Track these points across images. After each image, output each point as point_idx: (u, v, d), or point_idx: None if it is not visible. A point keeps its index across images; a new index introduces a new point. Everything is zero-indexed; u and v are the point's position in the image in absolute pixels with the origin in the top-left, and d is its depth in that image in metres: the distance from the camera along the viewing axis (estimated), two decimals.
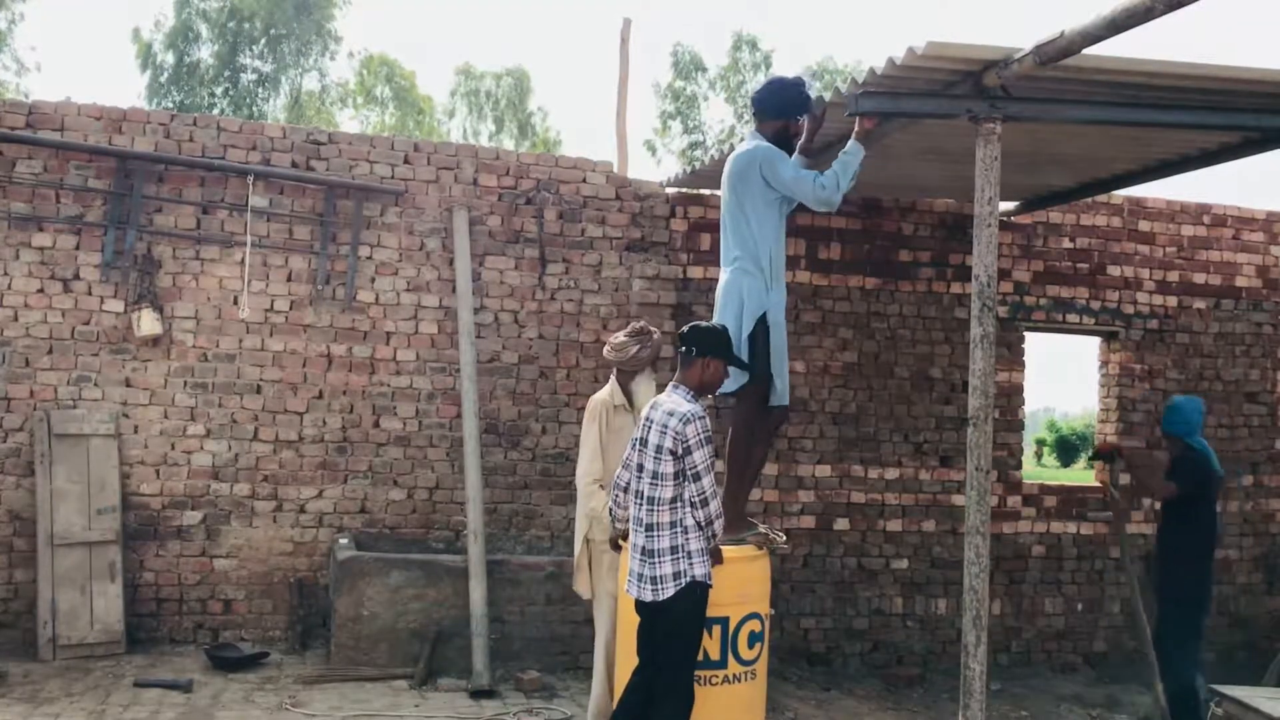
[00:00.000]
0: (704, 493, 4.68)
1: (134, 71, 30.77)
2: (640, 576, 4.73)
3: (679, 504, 4.69)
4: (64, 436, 7.07)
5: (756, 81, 29.63)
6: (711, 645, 5.03)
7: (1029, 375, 8.92)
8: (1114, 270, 9.04)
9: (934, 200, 8.66)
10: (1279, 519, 9.33)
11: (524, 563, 7.30)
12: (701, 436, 4.67)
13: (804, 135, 5.64)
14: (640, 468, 4.81)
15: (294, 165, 7.64)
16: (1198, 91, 5.53)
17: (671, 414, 4.70)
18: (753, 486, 5.83)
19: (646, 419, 4.85)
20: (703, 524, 4.71)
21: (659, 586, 4.66)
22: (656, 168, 30.10)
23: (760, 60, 29.77)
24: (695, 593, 4.69)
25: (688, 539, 4.68)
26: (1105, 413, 9.23)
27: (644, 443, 4.80)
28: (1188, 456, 6.81)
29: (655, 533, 4.69)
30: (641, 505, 4.77)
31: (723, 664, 5.09)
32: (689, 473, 4.67)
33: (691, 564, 4.67)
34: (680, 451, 4.66)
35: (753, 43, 29.80)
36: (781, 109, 5.50)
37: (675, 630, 4.70)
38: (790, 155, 5.48)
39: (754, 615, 5.19)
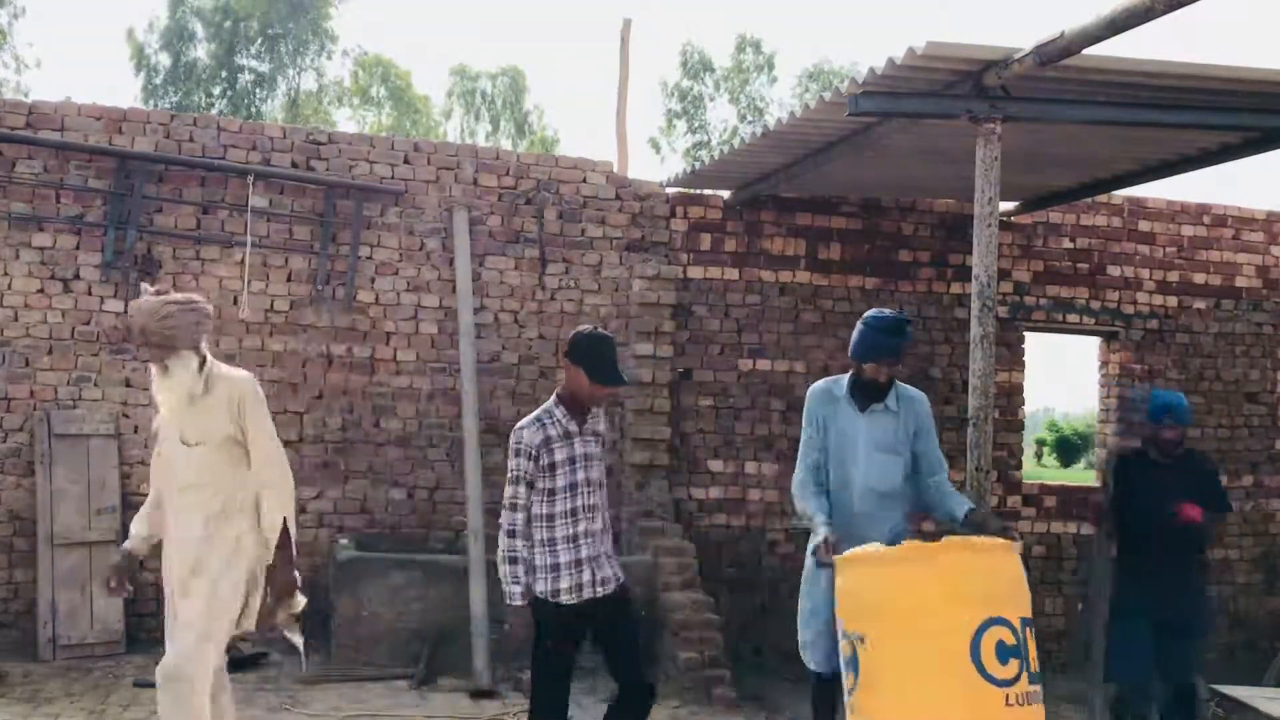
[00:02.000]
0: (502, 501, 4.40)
1: (130, 72, 30.72)
2: None
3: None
4: (64, 436, 7.07)
5: (760, 83, 29.71)
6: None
7: (1029, 375, 8.93)
8: (1114, 270, 9.04)
9: (934, 200, 8.66)
10: (1279, 519, 9.33)
11: None
12: (516, 446, 4.33)
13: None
14: None
15: (294, 165, 7.64)
16: (1198, 91, 5.53)
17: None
18: None
19: None
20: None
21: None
22: (660, 166, 30.15)
23: (764, 62, 29.80)
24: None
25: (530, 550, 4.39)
26: (1105, 413, 9.23)
27: None
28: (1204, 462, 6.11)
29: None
30: None
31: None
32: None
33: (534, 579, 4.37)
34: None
35: (756, 44, 29.83)
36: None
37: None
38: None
39: (998, 621, 3.92)
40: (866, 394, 4.78)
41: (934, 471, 4.80)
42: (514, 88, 33.26)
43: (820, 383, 4.97)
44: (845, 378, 4.86)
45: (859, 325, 4.79)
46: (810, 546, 4.75)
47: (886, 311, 4.84)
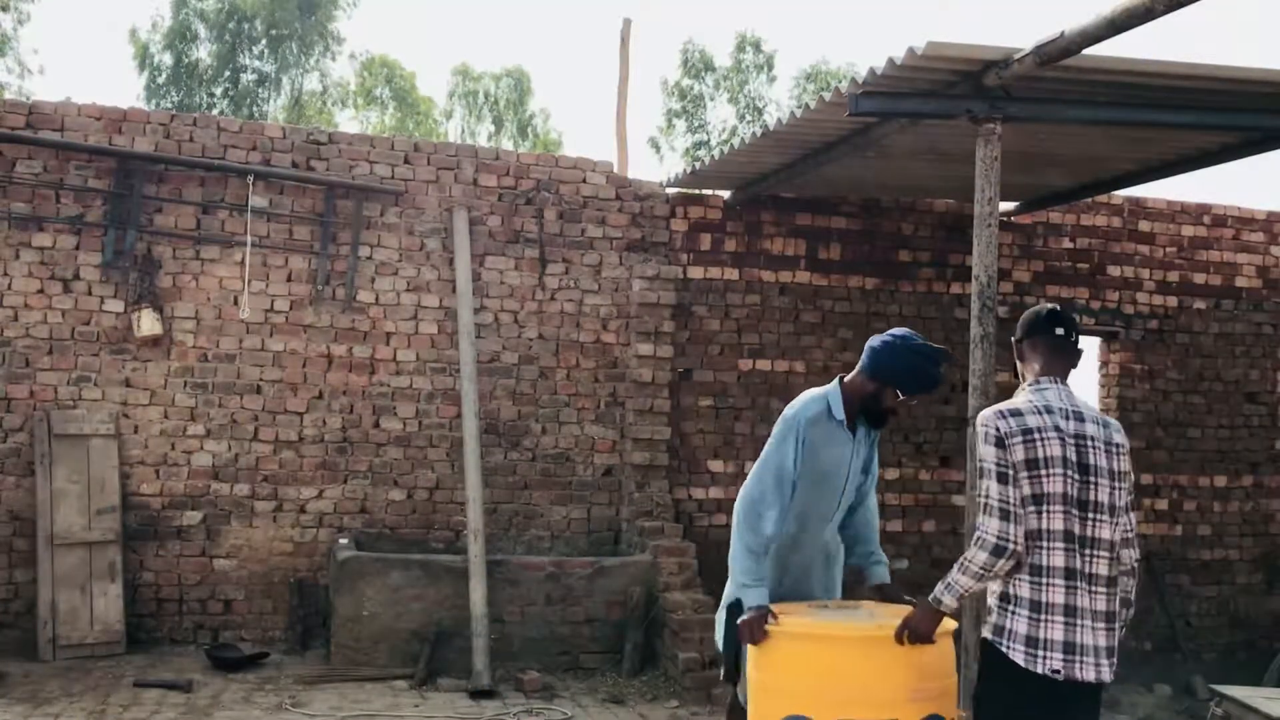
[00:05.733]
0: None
1: (132, 72, 30.69)
2: (1111, 650, 3.38)
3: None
4: (64, 436, 7.07)
5: (759, 83, 29.70)
6: None
7: None
8: (1114, 270, 9.04)
9: (934, 200, 8.66)
10: (1279, 519, 9.34)
11: (524, 563, 7.30)
12: None
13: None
14: (1084, 504, 3.35)
15: (294, 165, 7.64)
16: (1198, 91, 5.54)
17: (1108, 425, 3.48)
18: None
19: (1084, 435, 3.39)
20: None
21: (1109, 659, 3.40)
22: (660, 166, 30.13)
23: (763, 62, 29.75)
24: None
25: None
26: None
27: (1084, 468, 3.36)
28: None
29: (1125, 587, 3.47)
30: (1100, 555, 3.38)
31: None
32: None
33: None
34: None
35: (756, 44, 29.78)
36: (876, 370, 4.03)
37: None
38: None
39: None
40: (871, 420, 4.13)
41: (867, 497, 4.32)
42: (518, 89, 33.16)
43: (811, 401, 4.09)
44: (832, 393, 4.08)
45: (900, 348, 3.95)
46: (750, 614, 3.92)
47: (920, 337, 4.04)
